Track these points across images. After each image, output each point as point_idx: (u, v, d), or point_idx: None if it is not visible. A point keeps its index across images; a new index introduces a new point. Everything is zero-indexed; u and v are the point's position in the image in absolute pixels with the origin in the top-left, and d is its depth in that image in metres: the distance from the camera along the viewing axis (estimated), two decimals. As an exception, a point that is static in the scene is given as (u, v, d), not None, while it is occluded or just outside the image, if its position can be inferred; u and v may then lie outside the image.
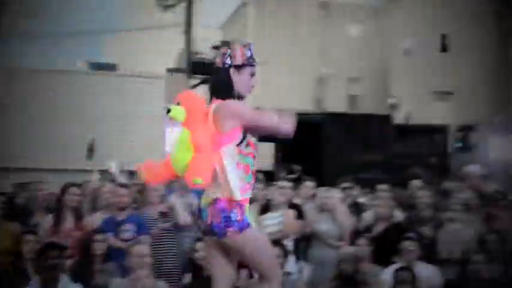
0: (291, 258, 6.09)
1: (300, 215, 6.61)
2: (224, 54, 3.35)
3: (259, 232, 3.63)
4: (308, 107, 19.21)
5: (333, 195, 6.41)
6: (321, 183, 7.77)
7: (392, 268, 5.31)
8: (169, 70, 17.28)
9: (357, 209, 7.06)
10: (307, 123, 14.76)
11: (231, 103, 3.24)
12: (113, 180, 9.01)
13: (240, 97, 3.32)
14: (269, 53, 18.44)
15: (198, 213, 3.38)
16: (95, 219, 6.01)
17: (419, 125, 17.69)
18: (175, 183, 7.75)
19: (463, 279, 5.11)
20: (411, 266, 5.29)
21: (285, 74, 20.33)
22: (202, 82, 18.02)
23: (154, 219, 6.09)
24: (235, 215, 3.20)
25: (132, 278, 4.97)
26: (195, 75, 16.61)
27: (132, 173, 9.37)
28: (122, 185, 6.61)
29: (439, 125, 17.71)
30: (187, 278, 5.55)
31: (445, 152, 17.21)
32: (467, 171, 7.12)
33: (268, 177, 10.77)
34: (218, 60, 3.38)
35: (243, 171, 3.23)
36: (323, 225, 6.22)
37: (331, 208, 6.27)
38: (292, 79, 20.53)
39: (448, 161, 16.81)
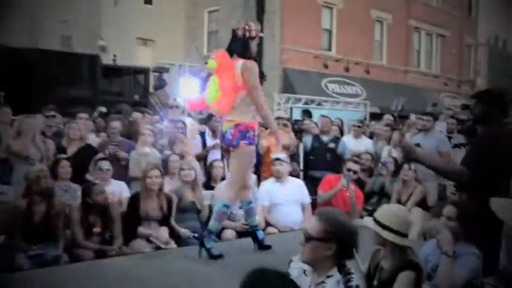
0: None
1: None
2: (244, 28, 4.41)
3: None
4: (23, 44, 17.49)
5: (34, 122, 6.06)
6: (28, 111, 7.33)
7: (84, 185, 5.33)
8: None
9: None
10: (18, 58, 13.58)
11: (254, 67, 4.40)
12: None
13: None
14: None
15: (221, 136, 4.52)
16: None
17: (125, 67, 17.69)
18: None
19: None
20: (104, 183, 5.39)
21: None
22: None
23: None
24: (250, 133, 4.37)
25: None
26: None
27: None
28: None
29: (142, 67, 18.01)
30: None
31: (147, 90, 17.64)
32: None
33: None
34: (240, 33, 4.42)
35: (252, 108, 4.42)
36: (23, 148, 5.84)
37: (29, 132, 5.90)
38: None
39: (148, 98, 17.29)
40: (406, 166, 6.45)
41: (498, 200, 1.89)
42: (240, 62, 4.34)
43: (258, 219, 5.61)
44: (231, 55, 4.41)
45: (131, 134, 7.09)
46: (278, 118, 8.35)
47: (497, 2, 29.91)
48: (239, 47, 4.41)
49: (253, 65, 4.38)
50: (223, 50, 4.45)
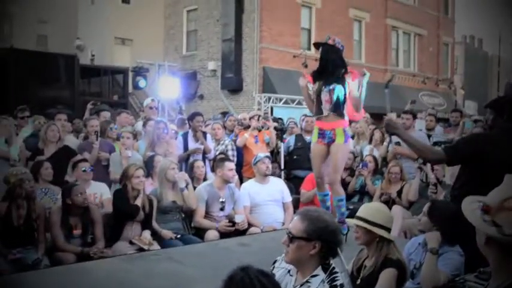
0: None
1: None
2: (336, 41, 4.79)
3: None
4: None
5: (9, 123, 6.02)
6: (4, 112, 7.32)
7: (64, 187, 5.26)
8: None
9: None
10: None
11: None
12: None
13: None
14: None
15: (322, 136, 4.74)
16: None
17: (103, 66, 17.54)
18: None
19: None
20: (84, 185, 5.32)
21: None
22: None
23: None
24: (348, 130, 4.97)
25: None
26: None
27: None
28: None
29: (121, 67, 17.85)
30: None
31: (125, 90, 17.51)
32: (144, 104, 7.81)
33: None
34: (330, 42, 4.76)
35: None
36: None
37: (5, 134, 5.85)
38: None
39: (127, 98, 17.16)
40: (392, 163, 6.53)
41: (468, 199, 1.92)
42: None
43: (243, 218, 5.64)
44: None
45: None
46: (254, 116, 8.40)
47: (472, 3, 30.36)
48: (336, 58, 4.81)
49: None
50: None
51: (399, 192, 6.32)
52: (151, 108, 7.99)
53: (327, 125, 4.77)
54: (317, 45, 4.91)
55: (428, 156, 3.70)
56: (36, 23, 20.43)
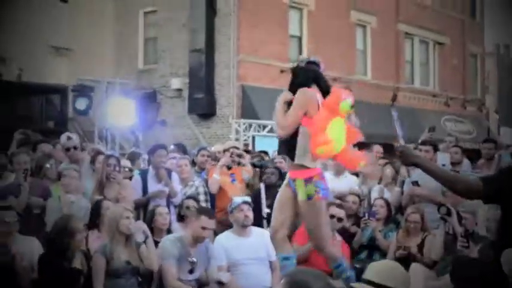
0: None
1: None
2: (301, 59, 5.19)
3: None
4: None
5: None
6: None
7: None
8: None
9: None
10: None
11: None
12: None
13: None
14: None
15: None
16: None
17: (34, 84, 17.43)
18: None
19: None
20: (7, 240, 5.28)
21: None
22: None
23: None
24: (319, 183, 4.86)
25: None
26: None
27: None
28: None
29: (57, 85, 17.74)
30: None
31: (64, 115, 17.35)
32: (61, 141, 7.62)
33: None
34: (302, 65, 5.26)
35: None
36: None
37: None
38: None
39: (66, 125, 17.02)
40: (410, 209, 6.57)
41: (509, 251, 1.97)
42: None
43: (229, 277, 5.66)
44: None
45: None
46: (229, 149, 8.40)
47: (507, 1, 30.93)
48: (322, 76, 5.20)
49: None
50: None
51: (420, 247, 6.36)
52: (67, 149, 7.44)
53: (290, 173, 4.90)
54: None
55: (459, 188, 3.63)
56: None
